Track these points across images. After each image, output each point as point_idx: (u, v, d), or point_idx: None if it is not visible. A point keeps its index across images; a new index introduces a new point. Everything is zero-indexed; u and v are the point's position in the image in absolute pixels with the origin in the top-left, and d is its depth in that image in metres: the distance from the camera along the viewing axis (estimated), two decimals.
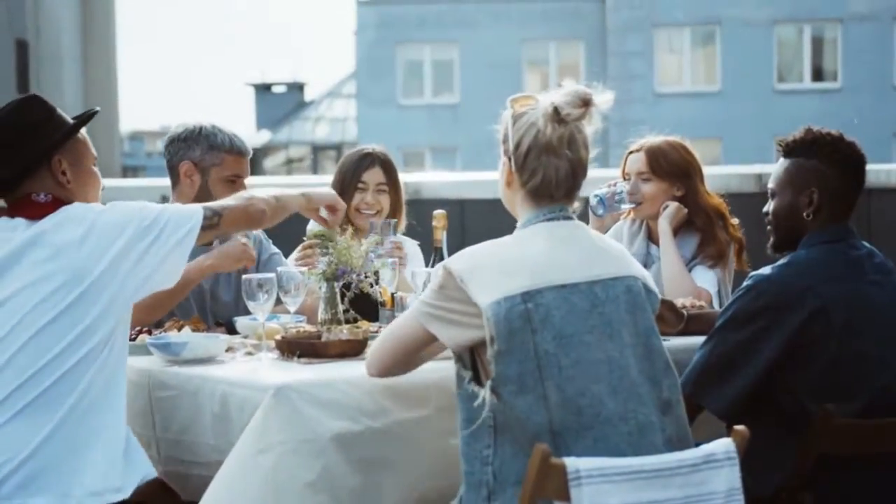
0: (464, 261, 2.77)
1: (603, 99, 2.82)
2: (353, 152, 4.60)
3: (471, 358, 2.77)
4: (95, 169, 3.25)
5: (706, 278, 4.21)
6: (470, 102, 31.99)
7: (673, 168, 4.26)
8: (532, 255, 2.76)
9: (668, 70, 32.43)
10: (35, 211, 3.09)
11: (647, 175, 4.28)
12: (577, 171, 2.82)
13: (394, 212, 4.52)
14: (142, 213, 3.09)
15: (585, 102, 2.79)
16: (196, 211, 3.17)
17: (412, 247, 4.50)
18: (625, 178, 4.35)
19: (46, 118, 3.16)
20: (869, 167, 7.16)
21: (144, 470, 3.05)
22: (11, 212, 3.13)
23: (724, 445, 2.63)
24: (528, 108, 2.85)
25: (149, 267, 3.06)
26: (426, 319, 2.80)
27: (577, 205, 2.90)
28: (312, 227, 4.45)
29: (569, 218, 2.86)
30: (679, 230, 4.28)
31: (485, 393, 2.70)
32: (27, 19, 28.94)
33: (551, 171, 2.80)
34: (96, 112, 3.32)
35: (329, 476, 2.89)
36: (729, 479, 2.60)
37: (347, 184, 4.47)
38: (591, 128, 2.84)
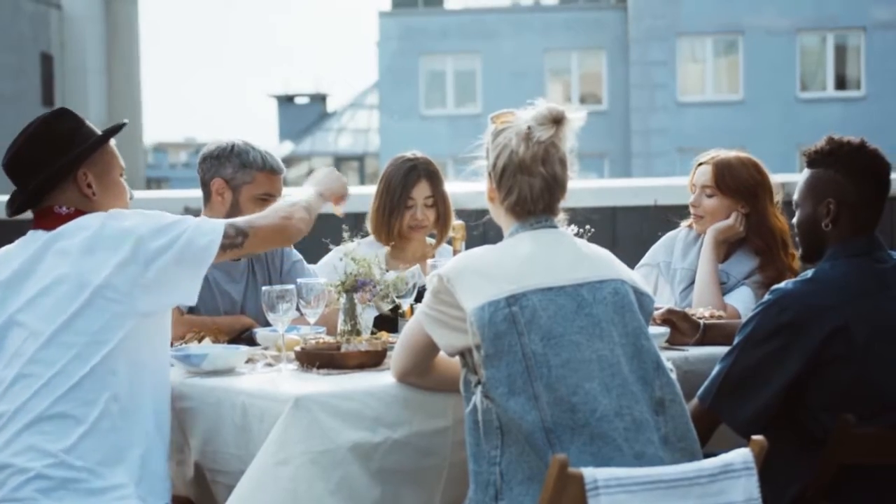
0: (452, 265, 2.87)
1: (576, 116, 2.92)
2: (399, 164, 4.52)
3: (473, 361, 2.82)
4: (123, 180, 3.28)
5: (746, 299, 4.11)
6: (492, 112, 31.93)
7: (739, 186, 4.14)
8: (517, 260, 2.85)
9: (690, 79, 32.37)
10: (55, 222, 3.14)
11: (712, 190, 4.17)
12: (552, 187, 2.92)
13: (442, 223, 4.50)
14: (159, 217, 3.12)
15: (557, 121, 2.90)
16: (217, 226, 3.17)
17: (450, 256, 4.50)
18: (691, 190, 4.27)
19: (74, 131, 3.20)
20: (893, 175, 7.12)
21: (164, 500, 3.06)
22: (35, 224, 3.19)
23: (741, 456, 2.63)
24: (507, 126, 2.95)
25: (159, 274, 3.05)
26: (426, 322, 2.89)
27: (561, 216, 2.99)
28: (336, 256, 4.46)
29: (553, 227, 2.95)
30: (737, 247, 4.22)
31: (475, 398, 2.77)
32: (52, 33, 29.14)
33: (526, 189, 2.91)
34: (124, 125, 3.34)
35: (347, 487, 2.90)
36: (747, 489, 2.60)
37: (396, 203, 4.44)
38: (568, 144, 2.94)
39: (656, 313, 3.56)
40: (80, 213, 3.16)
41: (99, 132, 3.24)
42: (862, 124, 30.44)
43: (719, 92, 32.20)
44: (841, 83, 32.01)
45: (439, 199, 4.48)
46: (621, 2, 32.85)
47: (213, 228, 3.15)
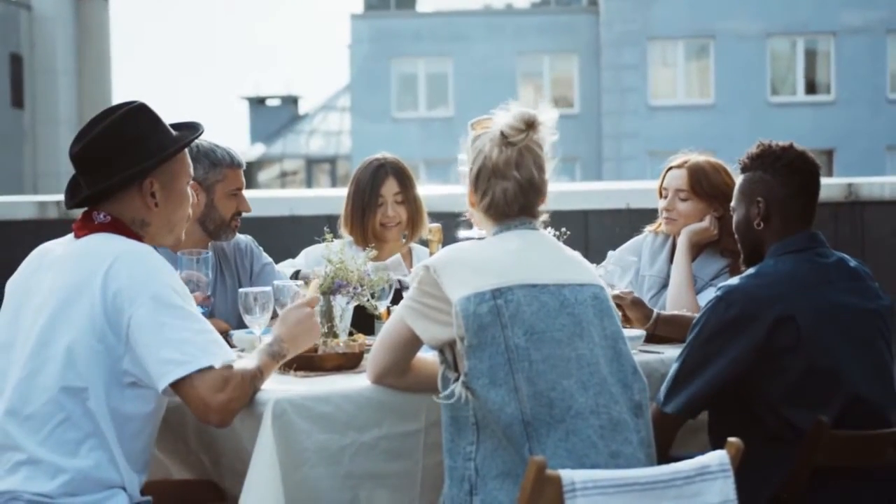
0: (439, 257, 2.91)
1: (548, 117, 2.97)
2: (367, 165, 4.59)
3: (452, 357, 2.85)
4: (188, 189, 3.16)
5: None
6: (464, 115, 31.83)
7: (713, 190, 4.19)
8: (504, 255, 2.89)
9: (661, 83, 32.48)
10: (85, 229, 3.03)
11: (687, 194, 4.21)
12: (527, 191, 2.96)
13: (412, 221, 4.54)
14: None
15: (529, 125, 2.95)
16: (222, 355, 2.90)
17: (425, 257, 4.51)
18: (661, 194, 4.31)
19: (149, 134, 3.04)
20: (861, 180, 7.21)
21: None
22: (76, 223, 3.06)
23: (718, 458, 2.65)
24: (484, 131, 3.01)
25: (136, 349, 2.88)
26: (408, 314, 2.91)
27: (543, 218, 3.03)
28: (311, 252, 4.47)
29: (534, 228, 2.99)
30: (705, 249, 4.25)
31: (456, 388, 2.80)
32: (21, 33, 28.97)
33: (499, 193, 2.96)
34: (202, 132, 3.18)
35: (309, 489, 2.91)
36: (723, 490, 2.62)
37: (367, 202, 4.51)
38: (545, 146, 2.98)
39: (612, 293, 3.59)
40: (116, 222, 3.01)
41: (173, 133, 3.10)
42: (831, 129, 30.66)
43: (690, 96, 32.32)
44: (811, 88, 32.19)
45: (409, 197, 4.53)
46: (593, 6, 32.95)
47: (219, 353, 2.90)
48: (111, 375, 2.89)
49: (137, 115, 3.05)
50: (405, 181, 4.54)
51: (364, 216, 4.50)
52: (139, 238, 3.04)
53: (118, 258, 2.92)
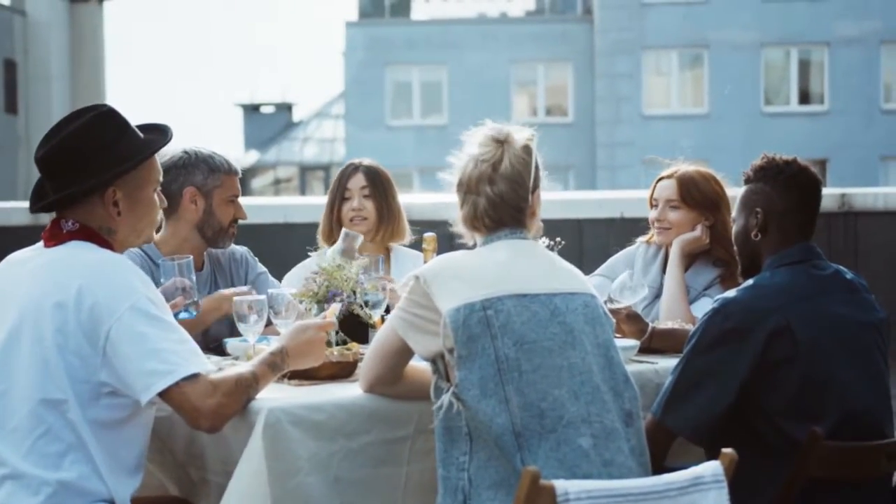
0: (429, 267, 2.92)
1: (522, 137, 2.98)
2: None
3: (444, 368, 2.85)
4: (155, 196, 3.07)
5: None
6: (458, 124, 31.85)
7: (704, 199, 4.22)
8: (494, 265, 2.90)
9: (655, 92, 32.54)
10: (55, 239, 2.97)
11: (677, 203, 4.24)
12: (498, 206, 2.96)
13: (380, 220, 4.57)
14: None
15: (498, 142, 2.97)
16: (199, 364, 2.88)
17: (417, 261, 4.49)
18: (652, 205, 4.33)
19: (115, 142, 2.96)
20: (855, 190, 7.24)
21: None
22: (45, 232, 3.00)
23: (711, 468, 2.65)
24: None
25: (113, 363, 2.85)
26: (400, 326, 2.92)
27: (537, 229, 3.04)
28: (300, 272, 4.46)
29: (524, 238, 2.99)
30: (697, 258, 4.27)
31: (445, 398, 2.80)
32: (15, 39, 28.95)
33: (470, 207, 2.98)
34: (170, 138, 3.09)
35: (307, 497, 2.91)
36: (717, 501, 2.61)
37: (335, 196, 4.61)
38: (529, 161, 2.96)
39: (609, 306, 3.59)
40: (84, 230, 2.95)
41: (142, 137, 3.02)
42: (825, 139, 30.73)
43: (684, 105, 32.40)
44: (804, 98, 32.28)
45: (378, 193, 4.58)
46: (588, 14, 33.02)
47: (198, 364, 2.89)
48: (88, 387, 2.86)
49: (104, 121, 2.97)
50: (375, 178, 4.60)
51: (332, 212, 4.58)
52: (109, 245, 2.99)
53: (92, 270, 2.89)
